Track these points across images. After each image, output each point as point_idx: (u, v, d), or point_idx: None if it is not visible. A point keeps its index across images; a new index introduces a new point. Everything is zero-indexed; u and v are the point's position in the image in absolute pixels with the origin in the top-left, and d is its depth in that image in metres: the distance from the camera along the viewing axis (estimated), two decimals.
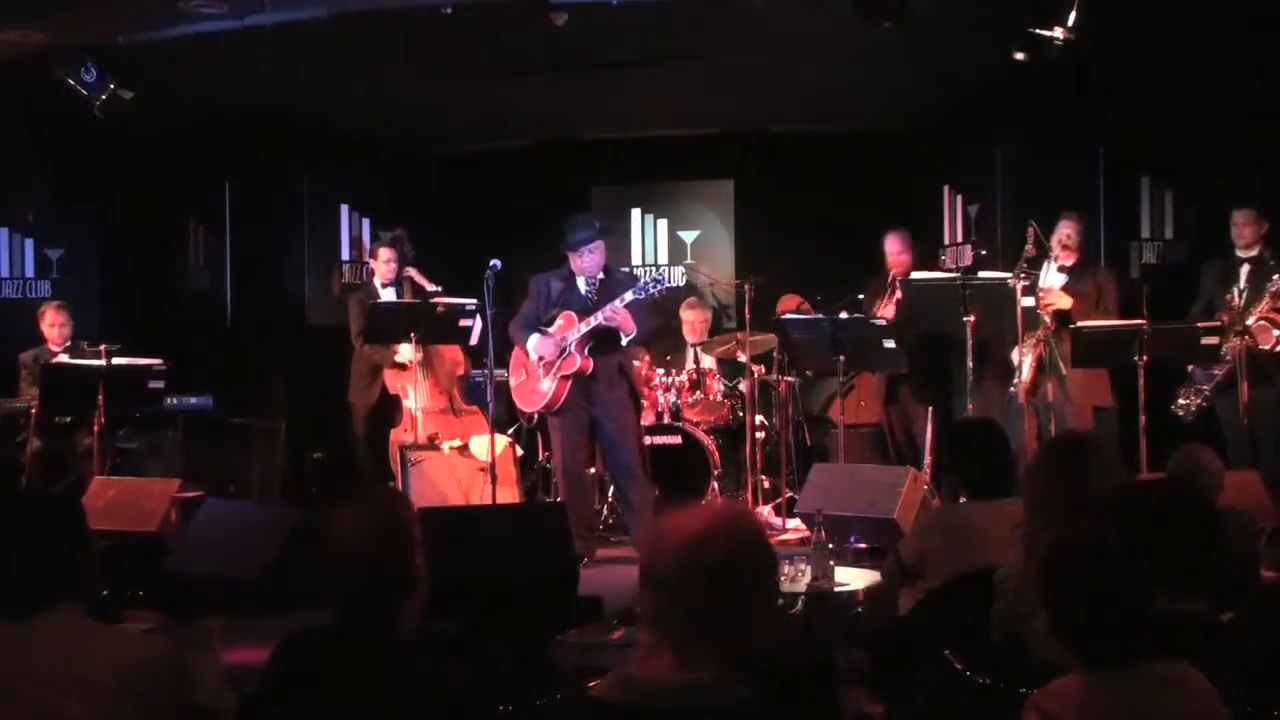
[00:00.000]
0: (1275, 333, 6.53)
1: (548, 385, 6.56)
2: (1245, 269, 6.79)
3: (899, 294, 7.45)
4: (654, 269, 9.89)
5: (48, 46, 6.77)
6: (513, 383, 6.87)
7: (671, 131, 9.64)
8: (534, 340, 6.60)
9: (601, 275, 6.65)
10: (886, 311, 7.40)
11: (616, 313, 6.39)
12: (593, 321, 6.45)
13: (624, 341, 6.52)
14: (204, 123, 8.45)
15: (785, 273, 8.60)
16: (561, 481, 6.70)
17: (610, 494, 7.51)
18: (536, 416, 7.28)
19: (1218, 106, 7.44)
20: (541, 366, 6.58)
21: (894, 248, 7.61)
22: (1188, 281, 7.28)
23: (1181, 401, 6.80)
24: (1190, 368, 6.79)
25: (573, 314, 6.56)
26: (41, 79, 6.91)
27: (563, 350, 6.53)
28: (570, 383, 6.54)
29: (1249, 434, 6.57)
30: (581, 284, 6.64)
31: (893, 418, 7.72)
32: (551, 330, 6.60)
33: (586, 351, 6.52)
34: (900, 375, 7.47)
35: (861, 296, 7.69)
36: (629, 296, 6.44)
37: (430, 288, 7.50)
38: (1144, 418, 6.24)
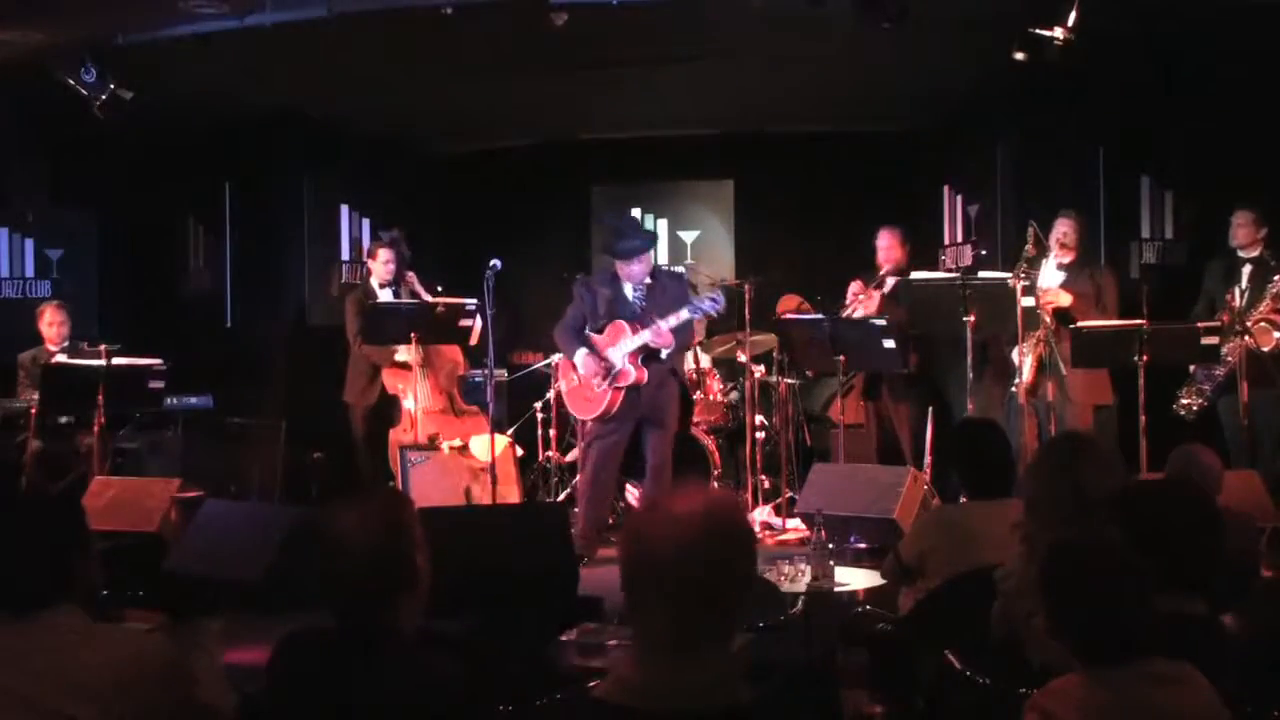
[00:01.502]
0: (1276, 335, 6.54)
1: (603, 397, 6.53)
2: (1247, 269, 6.79)
3: (884, 290, 7.47)
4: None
5: (48, 46, 6.77)
6: (563, 387, 6.86)
7: (671, 131, 9.64)
8: (581, 357, 6.55)
9: (648, 280, 6.64)
10: (869, 306, 7.40)
11: (660, 335, 6.42)
12: (642, 338, 6.44)
13: (663, 355, 6.52)
14: (204, 123, 8.45)
15: (785, 273, 8.60)
16: (588, 485, 6.66)
17: None
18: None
19: (1218, 107, 7.44)
20: (595, 378, 6.56)
21: (883, 243, 7.61)
22: (1188, 281, 7.28)
23: (1184, 401, 6.81)
24: (1192, 368, 6.79)
25: (623, 324, 6.54)
26: (41, 79, 6.92)
27: (612, 368, 6.51)
28: (624, 391, 6.53)
29: (1249, 434, 6.58)
30: (629, 290, 6.63)
31: (870, 415, 7.71)
32: (600, 338, 6.59)
33: (640, 362, 6.51)
34: (879, 374, 7.47)
35: (861, 297, 7.67)
36: (684, 315, 6.46)
37: (428, 297, 7.47)
38: (1144, 417, 6.24)
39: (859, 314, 7.36)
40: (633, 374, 6.48)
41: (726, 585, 1.85)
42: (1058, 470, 3.13)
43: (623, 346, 6.49)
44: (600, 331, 6.60)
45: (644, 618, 1.86)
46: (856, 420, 7.75)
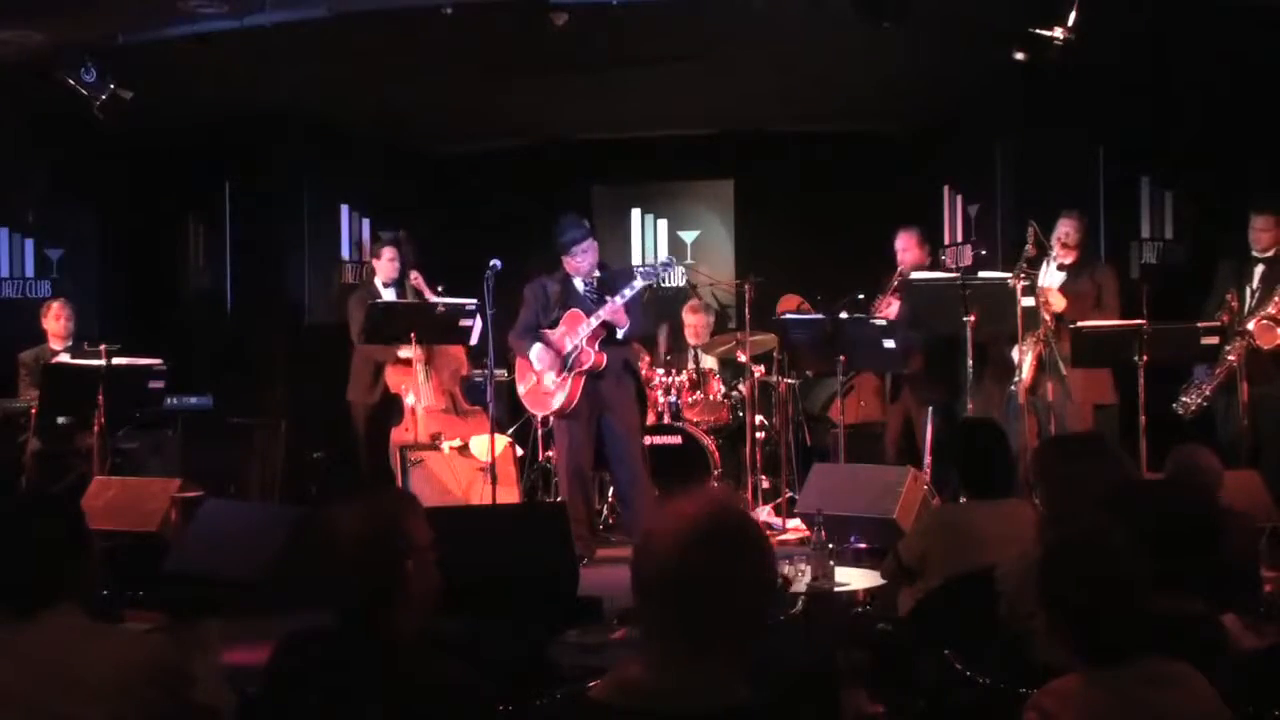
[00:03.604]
0: (1279, 331, 6.52)
1: (563, 385, 6.53)
2: (1259, 269, 6.76)
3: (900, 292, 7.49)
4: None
5: (48, 46, 6.77)
6: (521, 389, 6.85)
7: (671, 131, 9.64)
8: (536, 350, 6.58)
9: (597, 274, 6.66)
10: (889, 311, 7.40)
11: (615, 310, 6.41)
12: (600, 317, 6.45)
13: (619, 335, 6.53)
14: (204, 122, 8.45)
15: (785, 273, 8.60)
16: (566, 481, 6.68)
17: (610, 494, 7.51)
18: (551, 419, 7.10)
19: (1218, 106, 7.44)
20: (551, 371, 6.57)
21: (899, 245, 7.61)
22: (1188, 281, 7.28)
23: (1183, 400, 6.79)
24: (1194, 367, 6.79)
25: (579, 312, 6.56)
26: (41, 79, 6.91)
27: (571, 352, 6.51)
28: (584, 380, 6.53)
29: (1250, 434, 6.57)
30: (579, 284, 6.65)
31: (893, 416, 7.71)
32: (554, 331, 6.60)
33: (598, 347, 6.52)
34: (901, 375, 7.47)
35: (861, 296, 7.68)
36: (638, 284, 6.47)
37: (431, 296, 7.49)
38: (1144, 417, 6.24)
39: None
40: (592, 356, 6.49)
41: (734, 589, 1.85)
42: (1078, 467, 3.13)
43: (581, 331, 6.51)
44: (554, 325, 6.61)
45: (651, 619, 1.86)
46: (856, 420, 7.76)
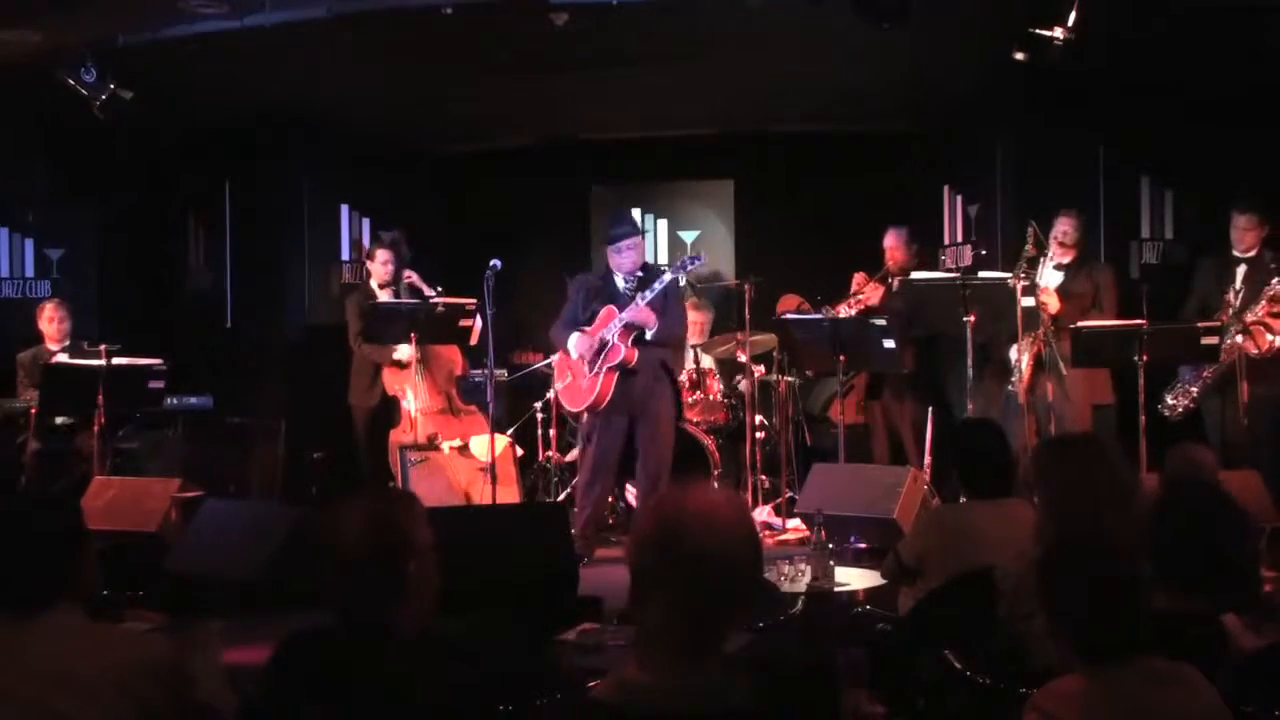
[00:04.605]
0: (1269, 338, 6.50)
1: (594, 380, 6.53)
2: (1242, 269, 6.76)
3: (890, 285, 7.49)
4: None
5: (48, 46, 6.77)
6: (559, 386, 6.85)
7: (671, 131, 9.64)
8: (574, 339, 6.57)
9: (640, 273, 6.66)
10: (873, 298, 7.42)
11: (639, 311, 6.41)
12: (625, 318, 6.44)
13: (648, 336, 6.50)
14: (204, 123, 8.45)
15: (785, 273, 8.59)
16: (588, 476, 6.64)
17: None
18: (584, 416, 7.00)
19: (1218, 106, 7.44)
20: (585, 364, 6.57)
21: (888, 242, 7.68)
22: (1188, 281, 7.28)
23: (1170, 401, 6.78)
24: (1180, 368, 6.78)
25: (613, 308, 6.56)
26: (41, 79, 6.92)
27: (605, 344, 6.51)
28: (615, 376, 6.49)
29: (1249, 434, 6.56)
30: (620, 281, 6.65)
31: (875, 414, 7.73)
32: (591, 327, 6.60)
33: (630, 343, 6.49)
34: (880, 374, 7.50)
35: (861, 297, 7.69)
36: (667, 277, 6.49)
37: (429, 292, 7.48)
38: (1144, 417, 6.24)
39: (856, 310, 7.40)
40: (623, 351, 6.45)
41: (736, 587, 1.85)
42: (1075, 469, 3.13)
43: (612, 326, 6.51)
44: (591, 320, 6.61)
45: (651, 616, 1.86)
46: (856, 420, 7.76)
